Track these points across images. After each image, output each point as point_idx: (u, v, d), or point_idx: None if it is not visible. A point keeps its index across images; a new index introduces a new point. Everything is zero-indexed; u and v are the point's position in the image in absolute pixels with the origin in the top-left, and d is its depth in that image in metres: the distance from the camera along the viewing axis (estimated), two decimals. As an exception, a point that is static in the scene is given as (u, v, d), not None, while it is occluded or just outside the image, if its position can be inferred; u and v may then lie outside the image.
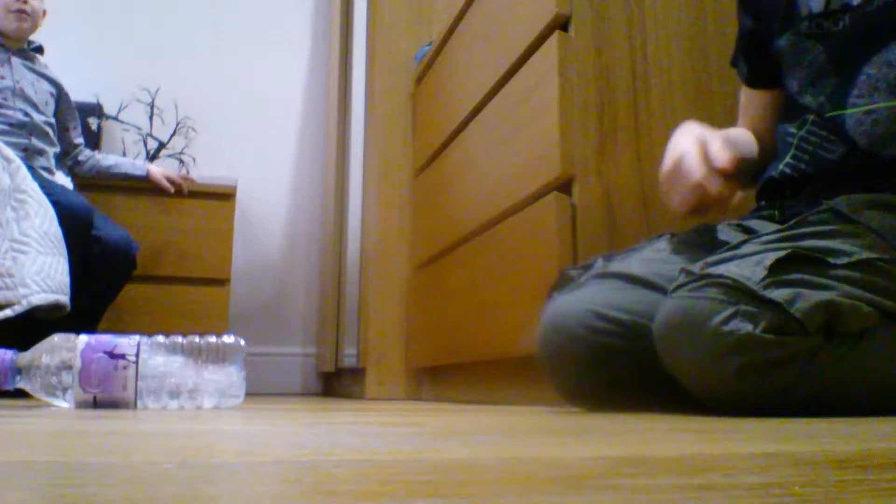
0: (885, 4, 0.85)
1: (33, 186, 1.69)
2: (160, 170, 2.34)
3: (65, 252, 1.69)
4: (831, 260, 0.76)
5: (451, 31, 1.78)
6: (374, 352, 1.95)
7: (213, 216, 2.39)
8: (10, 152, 1.69)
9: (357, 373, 2.05)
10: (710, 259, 0.79)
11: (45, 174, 1.97)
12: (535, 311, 0.98)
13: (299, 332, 2.78)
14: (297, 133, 2.93)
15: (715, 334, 0.74)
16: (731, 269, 0.76)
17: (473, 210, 1.54)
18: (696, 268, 0.79)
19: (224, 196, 2.42)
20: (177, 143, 2.73)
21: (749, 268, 0.75)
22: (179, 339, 0.86)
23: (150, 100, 2.73)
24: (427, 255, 1.85)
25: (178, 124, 2.74)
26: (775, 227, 0.84)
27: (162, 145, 2.68)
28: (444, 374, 1.76)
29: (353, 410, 1.02)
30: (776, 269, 0.74)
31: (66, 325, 1.80)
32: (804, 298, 0.73)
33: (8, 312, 1.54)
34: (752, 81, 1.06)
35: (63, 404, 0.84)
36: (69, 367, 0.82)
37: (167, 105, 2.75)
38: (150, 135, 2.69)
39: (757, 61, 1.03)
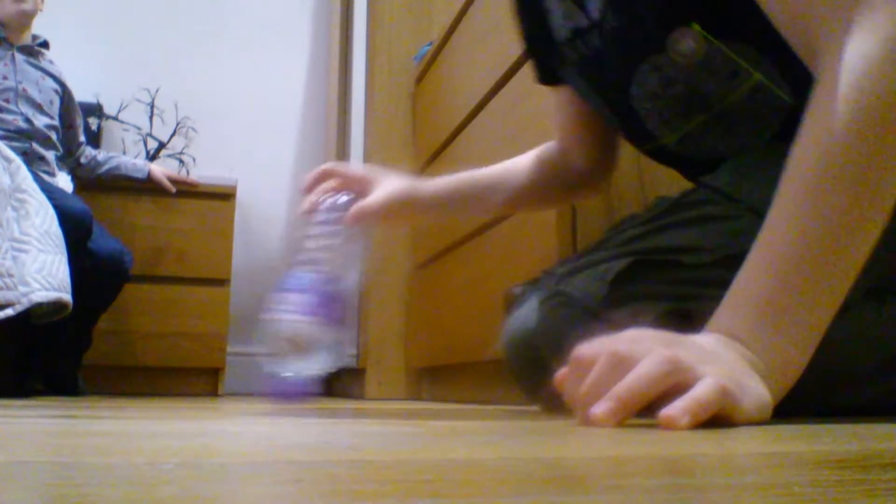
0: (619, 25, 0.76)
1: (33, 186, 1.69)
2: (162, 170, 2.34)
3: (65, 251, 1.69)
4: (686, 260, 0.68)
5: (451, 31, 1.78)
6: (374, 352, 1.95)
7: (213, 216, 2.39)
8: (10, 152, 1.69)
9: (357, 373, 2.05)
10: (571, 266, 0.74)
11: (46, 177, 1.97)
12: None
13: (299, 332, 2.78)
14: (297, 133, 2.93)
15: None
16: (579, 284, 0.71)
17: (473, 210, 1.54)
18: (554, 279, 0.74)
19: (224, 196, 2.42)
20: (177, 143, 2.73)
21: (595, 282, 0.69)
22: None
23: (150, 100, 2.73)
24: (427, 255, 1.84)
25: (178, 124, 2.74)
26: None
27: (162, 145, 2.68)
28: (444, 374, 1.76)
29: (352, 410, 1.02)
30: (618, 281, 0.68)
31: (65, 329, 1.80)
32: (643, 316, 0.64)
33: (9, 311, 1.54)
34: (544, 76, 0.96)
35: None
36: None
37: (167, 105, 2.75)
38: (150, 135, 2.70)
39: (543, 57, 0.94)
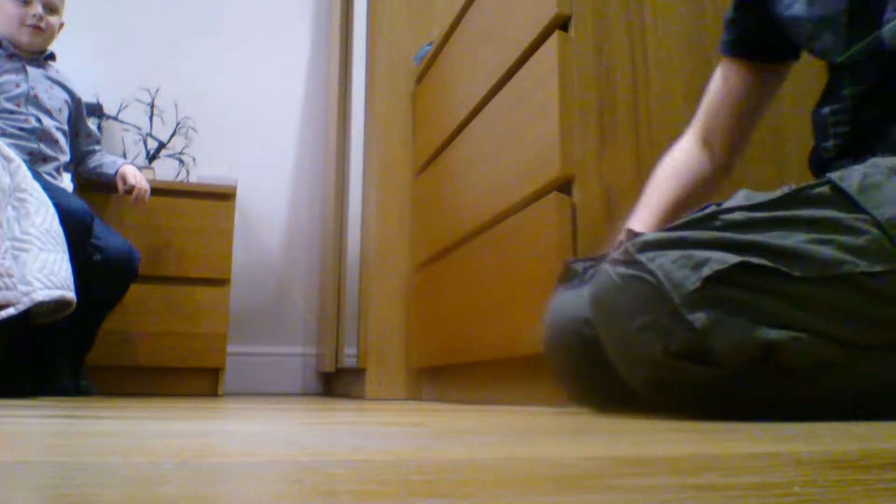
0: None
1: (34, 185, 1.68)
2: (131, 169, 2.20)
3: (66, 249, 1.69)
4: (795, 272, 0.59)
5: (451, 31, 1.78)
6: (374, 352, 1.95)
7: (213, 216, 2.39)
8: (10, 151, 1.69)
9: (357, 373, 2.05)
10: (660, 235, 0.64)
11: (49, 178, 1.97)
12: (535, 311, 0.97)
13: (299, 332, 2.78)
14: (297, 133, 2.93)
15: (629, 342, 0.64)
16: (666, 266, 0.62)
17: (473, 210, 1.54)
18: (637, 243, 0.65)
19: (224, 196, 2.42)
20: (177, 143, 2.73)
21: (685, 269, 0.61)
22: None
23: (150, 100, 2.73)
24: (427, 255, 1.84)
25: (178, 124, 2.74)
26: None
27: (162, 145, 2.68)
28: (444, 374, 1.76)
29: (353, 410, 1.02)
30: (715, 279, 0.59)
31: (67, 330, 1.80)
32: (728, 329, 0.58)
33: (10, 311, 1.54)
34: (736, 47, 0.94)
35: None
36: None
37: (167, 105, 2.75)
38: (150, 135, 2.69)
39: (749, 22, 0.92)
